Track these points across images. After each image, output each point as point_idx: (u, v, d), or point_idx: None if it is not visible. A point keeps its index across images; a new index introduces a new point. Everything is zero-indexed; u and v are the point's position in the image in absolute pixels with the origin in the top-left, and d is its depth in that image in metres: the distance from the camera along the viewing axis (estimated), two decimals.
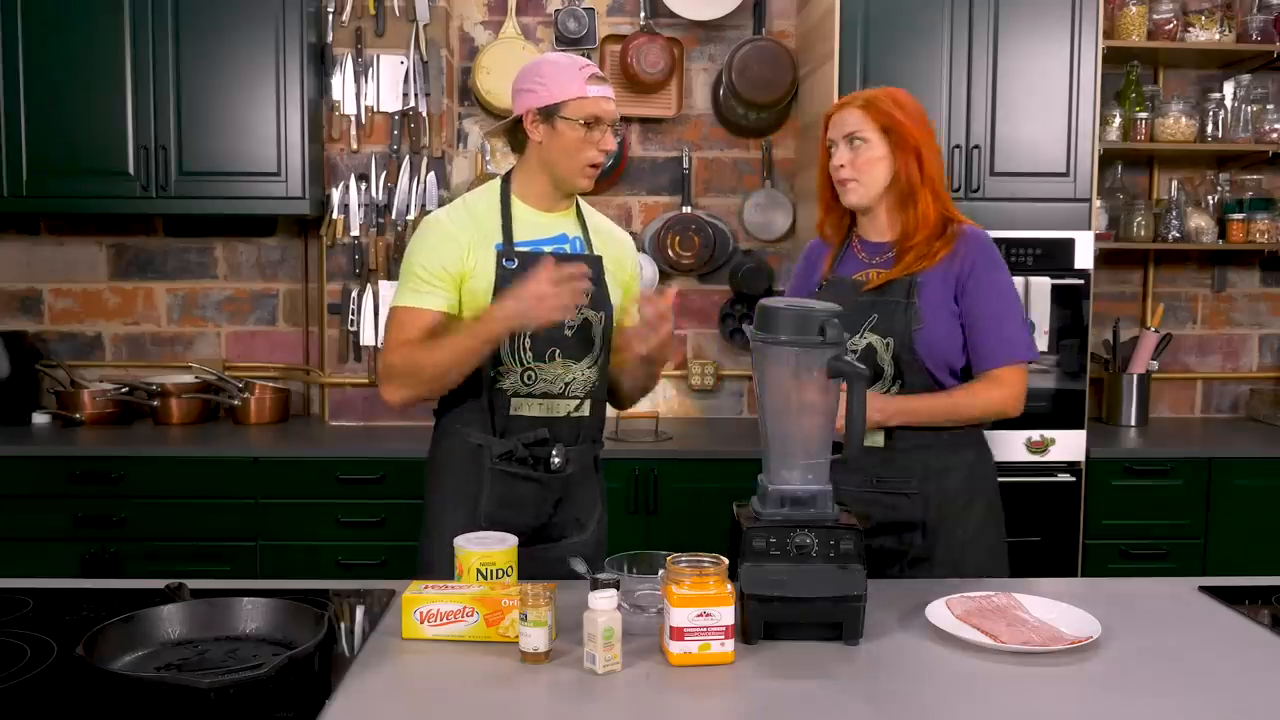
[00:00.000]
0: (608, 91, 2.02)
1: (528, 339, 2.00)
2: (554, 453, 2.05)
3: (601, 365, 2.10)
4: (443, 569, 2.02)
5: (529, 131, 2.02)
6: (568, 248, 2.09)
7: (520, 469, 2.04)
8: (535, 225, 2.06)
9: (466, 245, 2.00)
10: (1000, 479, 3.10)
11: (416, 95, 3.43)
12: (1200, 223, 3.58)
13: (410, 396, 2.00)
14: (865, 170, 1.98)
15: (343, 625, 1.64)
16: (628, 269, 2.20)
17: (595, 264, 2.08)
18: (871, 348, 1.97)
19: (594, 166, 2.02)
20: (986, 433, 2.11)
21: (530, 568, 1.91)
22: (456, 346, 1.93)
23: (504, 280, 1.99)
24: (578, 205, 2.15)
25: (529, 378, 2.03)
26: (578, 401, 2.07)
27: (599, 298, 2.07)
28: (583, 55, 3.59)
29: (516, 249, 2.02)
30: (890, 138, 1.97)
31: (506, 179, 2.10)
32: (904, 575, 1.97)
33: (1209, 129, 3.50)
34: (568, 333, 2.04)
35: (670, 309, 1.96)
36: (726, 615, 1.46)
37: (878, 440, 1.97)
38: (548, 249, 2.05)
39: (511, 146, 2.13)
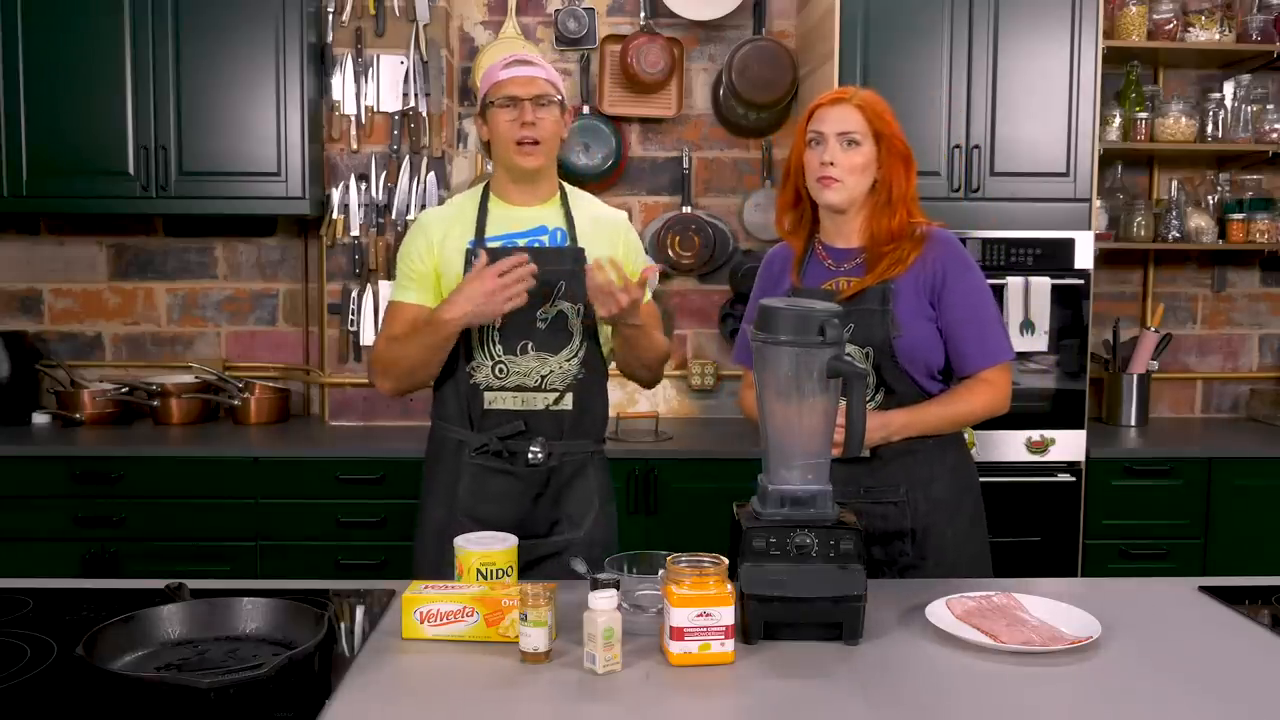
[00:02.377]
0: (527, 70, 2.03)
1: (496, 333, 2.02)
2: (532, 446, 2.05)
3: (585, 357, 2.09)
4: (426, 564, 2.04)
5: (480, 133, 2.11)
6: (545, 239, 2.09)
7: (495, 462, 2.06)
8: (510, 219, 2.09)
9: (435, 241, 2.07)
10: (1000, 479, 3.11)
11: (416, 95, 3.43)
12: (1200, 223, 3.58)
13: (393, 388, 2.10)
14: (853, 173, 1.93)
15: (343, 625, 1.64)
16: (619, 250, 2.14)
17: (576, 255, 2.07)
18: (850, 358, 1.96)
19: (523, 143, 2.02)
20: (985, 433, 2.11)
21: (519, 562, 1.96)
22: (420, 343, 2.01)
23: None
24: (563, 195, 2.15)
25: (500, 370, 2.05)
26: (557, 394, 2.08)
27: (577, 290, 2.04)
28: (580, 55, 3.63)
29: (488, 244, 2.05)
30: (881, 144, 1.93)
31: (491, 177, 2.17)
32: None
33: (1209, 129, 3.50)
34: (540, 325, 2.04)
35: (637, 284, 1.97)
36: (726, 615, 1.46)
37: (864, 450, 1.93)
38: (521, 242, 2.07)
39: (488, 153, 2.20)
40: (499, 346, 2.04)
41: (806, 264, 2.04)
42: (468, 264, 2.02)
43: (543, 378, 2.06)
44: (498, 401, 2.06)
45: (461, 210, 2.12)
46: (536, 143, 2.02)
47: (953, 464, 2.00)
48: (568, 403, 2.09)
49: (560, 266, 2.06)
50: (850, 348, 1.94)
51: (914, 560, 1.97)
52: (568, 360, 2.08)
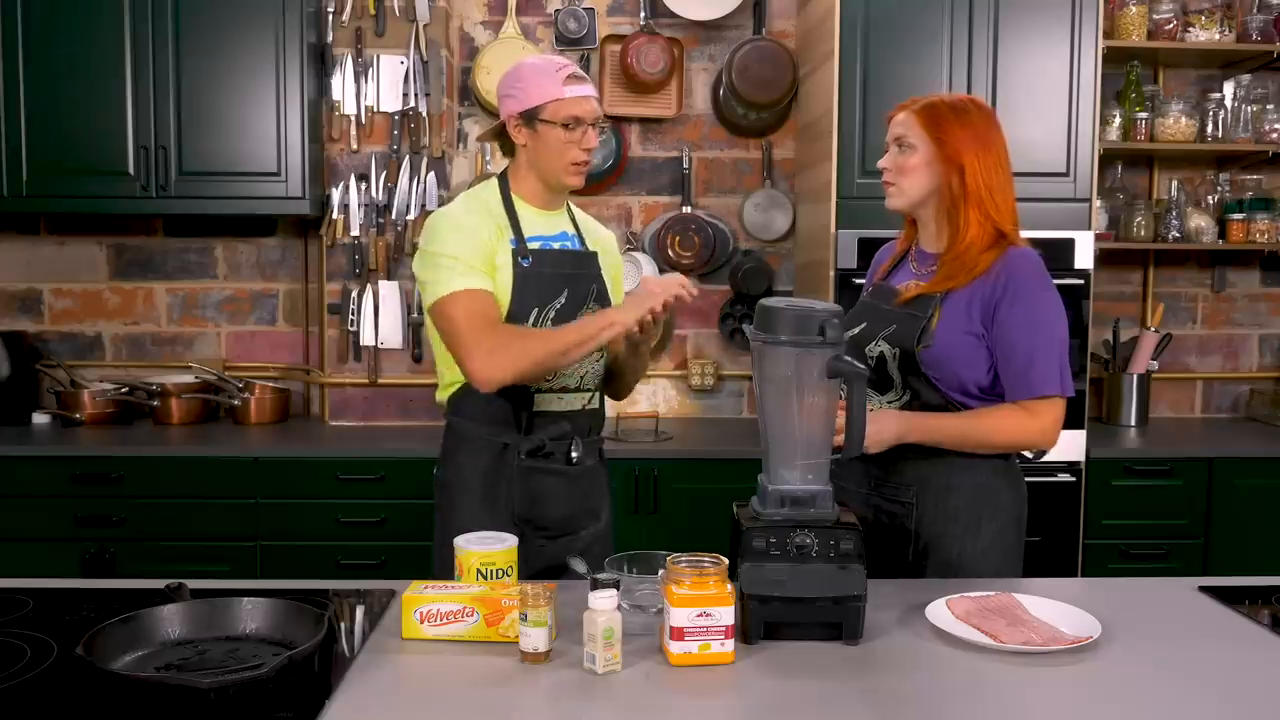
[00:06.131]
0: (586, 90, 2.04)
1: None
2: (572, 446, 2.09)
3: (605, 358, 2.16)
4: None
5: (513, 136, 2.06)
6: (569, 244, 2.13)
7: (546, 464, 2.07)
8: (539, 223, 2.10)
9: (489, 236, 2.02)
10: None
11: (416, 95, 3.43)
12: (1200, 223, 3.58)
13: (514, 377, 1.94)
14: (905, 175, 1.94)
15: (343, 625, 1.64)
16: (616, 264, 2.27)
17: (592, 259, 2.14)
18: (883, 356, 1.95)
19: (580, 164, 2.06)
20: None
21: (556, 560, 2.00)
22: (580, 337, 1.93)
23: (521, 278, 2.01)
24: (568, 204, 2.20)
25: (551, 374, 2.05)
26: (590, 394, 2.13)
27: (601, 294, 2.13)
28: (580, 55, 3.63)
29: (529, 245, 2.06)
30: (937, 148, 1.91)
31: (504, 178, 2.13)
32: None
33: (1209, 129, 3.50)
34: None
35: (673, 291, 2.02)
36: (726, 615, 1.46)
37: (874, 448, 1.87)
38: (555, 245, 2.10)
39: (503, 150, 2.17)
40: None
41: (899, 264, 2.07)
42: (515, 264, 2.01)
43: (580, 379, 2.11)
44: (545, 404, 2.07)
45: (487, 208, 2.07)
46: (587, 164, 2.08)
47: (981, 481, 1.93)
48: (595, 401, 2.16)
49: (591, 270, 2.13)
50: (884, 346, 1.94)
51: (914, 567, 1.94)
52: (597, 361, 2.14)
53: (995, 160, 1.92)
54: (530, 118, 2.02)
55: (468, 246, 1.98)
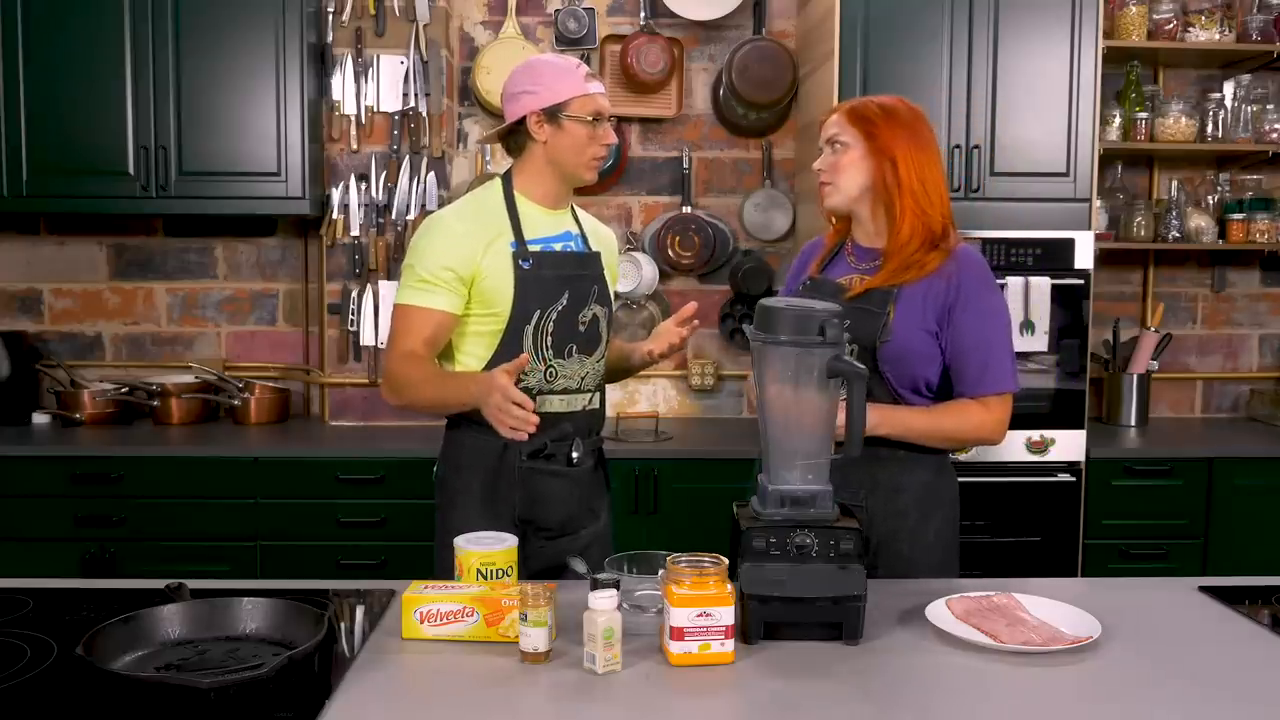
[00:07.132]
0: (602, 87, 2.11)
1: (549, 337, 2.05)
2: (572, 447, 2.09)
3: (605, 358, 2.17)
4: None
5: (533, 133, 2.06)
6: (573, 244, 2.14)
7: (549, 465, 2.08)
8: (543, 223, 2.10)
9: (476, 245, 2.01)
10: (1000, 479, 3.10)
11: (416, 95, 3.43)
12: (1200, 223, 3.58)
13: (401, 407, 2.07)
14: (839, 173, 1.97)
15: (343, 625, 1.64)
16: (613, 265, 2.28)
17: (595, 260, 2.15)
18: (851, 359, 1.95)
19: (600, 159, 2.09)
20: None
21: (555, 561, 2.00)
22: (441, 396, 1.99)
23: (522, 281, 2.02)
24: (571, 203, 2.21)
25: (551, 374, 2.06)
26: (590, 395, 2.13)
27: (602, 294, 2.14)
28: (580, 55, 3.63)
29: (529, 247, 2.05)
30: (869, 143, 1.94)
31: (506, 178, 2.12)
32: None
33: (1209, 129, 3.50)
34: (581, 328, 2.09)
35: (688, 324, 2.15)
36: (726, 615, 1.46)
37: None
38: (557, 246, 2.10)
39: (508, 150, 2.15)
40: (550, 351, 2.05)
41: (834, 258, 2.08)
42: (516, 266, 2.01)
43: (582, 379, 2.11)
44: (547, 405, 2.05)
45: (485, 211, 2.07)
46: (605, 159, 2.12)
47: (926, 479, 1.96)
48: (596, 402, 2.16)
49: (593, 271, 2.13)
50: None
51: (867, 567, 1.94)
52: (598, 361, 2.15)
53: (928, 157, 1.95)
54: (554, 114, 2.04)
55: (441, 259, 1.99)
